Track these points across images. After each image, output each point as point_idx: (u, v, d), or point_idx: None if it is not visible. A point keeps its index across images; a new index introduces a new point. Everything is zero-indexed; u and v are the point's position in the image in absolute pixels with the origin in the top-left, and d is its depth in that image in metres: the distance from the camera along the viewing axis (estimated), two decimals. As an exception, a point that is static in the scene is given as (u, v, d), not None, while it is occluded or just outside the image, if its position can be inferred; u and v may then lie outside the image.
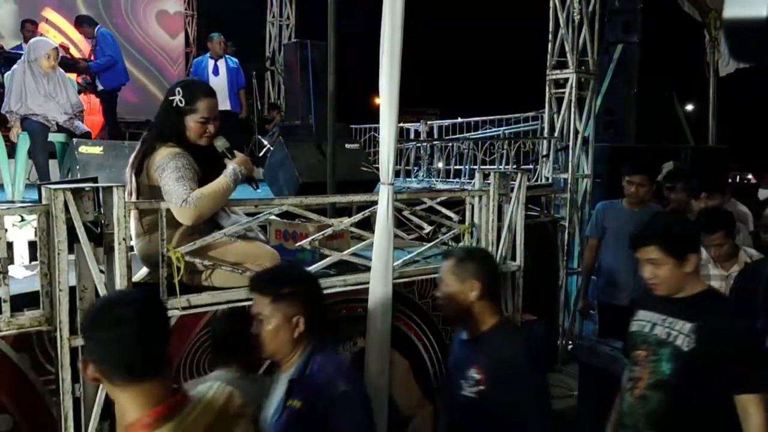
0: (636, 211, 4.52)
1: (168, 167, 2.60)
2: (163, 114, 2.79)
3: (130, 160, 2.78)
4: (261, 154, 8.63)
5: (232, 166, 2.75)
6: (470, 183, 6.58)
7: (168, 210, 2.61)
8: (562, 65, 6.54)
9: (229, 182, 2.71)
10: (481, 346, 2.37)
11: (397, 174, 3.39)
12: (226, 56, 7.73)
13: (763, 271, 3.24)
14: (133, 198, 2.70)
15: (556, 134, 6.61)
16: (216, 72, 7.54)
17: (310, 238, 3.08)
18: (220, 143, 2.81)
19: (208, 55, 7.66)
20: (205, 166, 2.74)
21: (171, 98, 2.75)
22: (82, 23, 7.06)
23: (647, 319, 2.45)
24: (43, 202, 2.31)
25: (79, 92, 5.81)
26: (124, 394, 1.50)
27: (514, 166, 6.94)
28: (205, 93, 2.81)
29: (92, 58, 7.08)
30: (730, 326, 2.25)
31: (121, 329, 1.47)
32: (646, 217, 3.01)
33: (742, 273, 3.50)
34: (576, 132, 6.42)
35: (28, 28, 7.40)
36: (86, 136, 5.07)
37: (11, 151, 5.05)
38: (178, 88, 2.77)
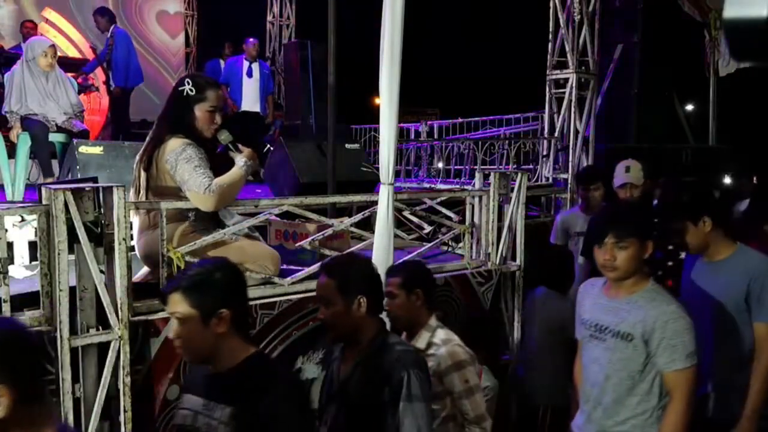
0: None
1: (181, 158, 2.63)
2: (173, 105, 2.84)
3: (139, 154, 2.81)
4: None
5: (243, 159, 2.79)
6: (470, 183, 6.58)
7: (168, 209, 2.61)
8: (562, 65, 6.54)
9: (243, 174, 2.76)
10: None
11: (397, 174, 3.38)
12: (260, 61, 7.95)
13: None
14: (142, 193, 2.73)
15: (556, 134, 6.61)
16: (250, 74, 7.72)
17: (310, 238, 3.08)
18: (224, 136, 2.85)
19: (243, 56, 7.81)
20: (210, 159, 2.77)
21: (181, 88, 2.81)
22: (103, 14, 7.08)
23: (190, 407, 1.81)
24: (43, 202, 2.30)
25: (79, 92, 5.80)
26: None
27: (514, 166, 6.94)
28: (213, 84, 2.89)
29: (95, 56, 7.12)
30: (267, 408, 1.64)
31: None
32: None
33: None
34: (576, 132, 6.43)
35: (27, 27, 7.39)
36: (84, 134, 5.06)
37: (11, 151, 5.04)
38: (187, 79, 2.83)
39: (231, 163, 2.81)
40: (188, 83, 2.80)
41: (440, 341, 2.48)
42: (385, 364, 1.98)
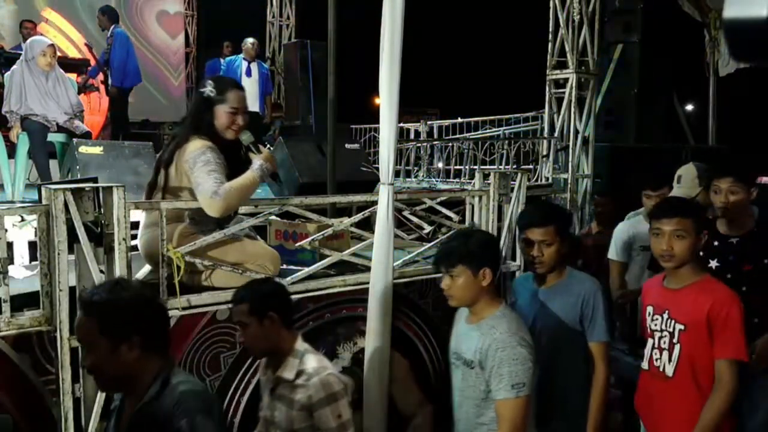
0: None
1: (199, 160, 2.66)
2: (195, 106, 2.89)
3: (162, 152, 2.85)
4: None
5: (258, 162, 2.80)
6: (470, 183, 6.58)
7: (168, 209, 2.61)
8: (562, 65, 6.55)
9: (256, 177, 2.77)
10: None
11: (397, 174, 3.36)
12: (259, 61, 7.96)
13: None
14: (159, 192, 2.76)
15: (556, 134, 6.61)
16: (249, 73, 7.76)
17: (310, 238, 3.08)
18: (246, 137, 2.87)
19: (241, 56, 7.84)
20: (230, 162, 2.79)
21: (202, 90, 2.85)
22: (105, 12, 7.14)
23: None
24: (43, 202, 2.31)
25: (79, 92, 5.81)
26: None
27: (514, 166, 6.94)
28: (235, 86, 2.91)
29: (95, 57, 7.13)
30: None
31: None
32: None
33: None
34: (576, 132, 6.43)
35: (27, 27, 7.41)
36: (86, 136, 5.06)
37: (11, 151, 5.05)
38: (210, 81, 2.87)
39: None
40: (210, 85, 2.84)
41: (312, 370, 2.21)
42: (161, 412, 1.62)
